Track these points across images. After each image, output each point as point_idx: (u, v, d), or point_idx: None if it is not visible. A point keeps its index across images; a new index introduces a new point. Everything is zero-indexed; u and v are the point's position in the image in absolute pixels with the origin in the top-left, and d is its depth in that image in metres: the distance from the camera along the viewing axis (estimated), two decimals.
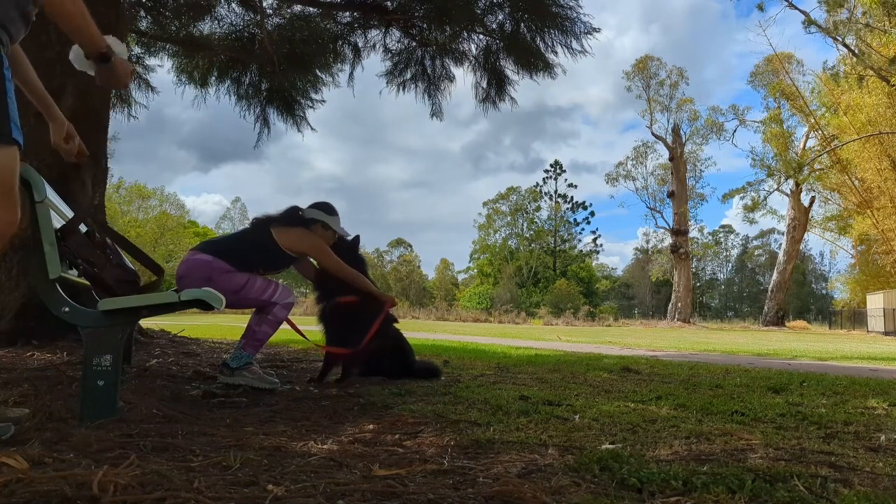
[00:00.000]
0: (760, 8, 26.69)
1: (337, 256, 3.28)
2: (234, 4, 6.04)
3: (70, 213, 2.67)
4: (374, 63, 6.49)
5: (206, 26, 6.20)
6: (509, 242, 56.50)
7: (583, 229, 55.76)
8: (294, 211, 3.33)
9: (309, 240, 3.22)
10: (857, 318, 28.94)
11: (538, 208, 56.13)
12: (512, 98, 6.23)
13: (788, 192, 31.97)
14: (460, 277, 65.76)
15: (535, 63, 5.73)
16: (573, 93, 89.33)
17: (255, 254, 3.08)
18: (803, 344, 11.52)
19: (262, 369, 3.17)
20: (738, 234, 65.66)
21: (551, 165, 56.57)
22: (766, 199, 30.97)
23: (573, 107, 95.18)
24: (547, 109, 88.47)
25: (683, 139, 38.31)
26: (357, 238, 3.55)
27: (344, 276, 3.28)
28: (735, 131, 37.03)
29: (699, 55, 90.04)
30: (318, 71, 6.46)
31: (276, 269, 3.24)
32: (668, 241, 39.98)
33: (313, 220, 3.28)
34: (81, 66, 1.93)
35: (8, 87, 1.67)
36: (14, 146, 1.67)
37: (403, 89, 6.37)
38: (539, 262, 53.78)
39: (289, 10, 6.17)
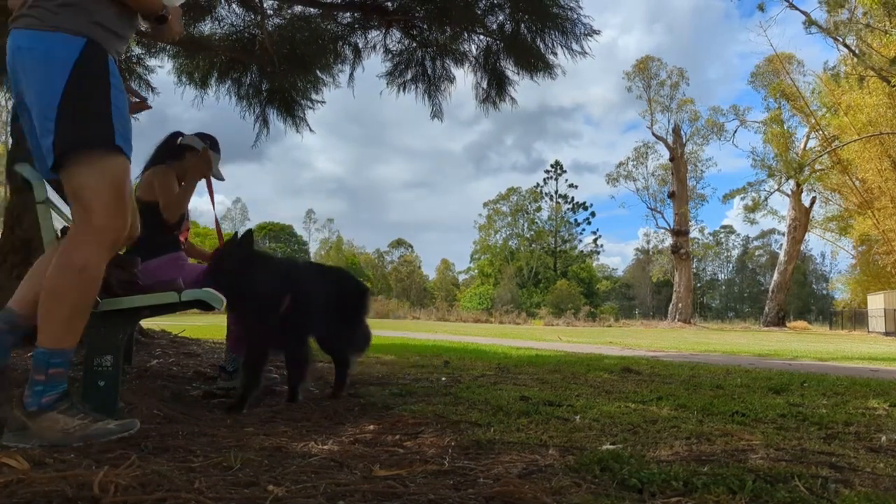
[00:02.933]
0: (761, 8, 26.60)
1: (178, 203, 2.89)
2: (234, 5, 6.03)
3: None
4: (375, 64, 6.48)
5: (206, 27, 6.20)
6: (510, 243, 56.49)
7: (583, 230, 55.77)
8: (163, 145, 3.06)
9: (150, 182, 2.89)
10: (857, 318, 28.90)
11: (539, 209, 56.15)
12: (512, 98, 6.23)
13: (789, 192, 31.95)
14: (461, 278, 65.75)
15: (536, 64, 5.72)
16: (575, 92, 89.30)
17: (143, 229, 2.90)
18: (804, 344, 11.51)
19: None
20: (738, 234, 65.71)
21: (552, 166, 56.60)
22: (766, 199, 30.97)
23: (575, 107, 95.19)
24: (549, 109, 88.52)
25: (684, 139, 38.30)
26: (248, 234, 2.70)
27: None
28: (736, 132, 37.00)
29: (702, 55, 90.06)
30: (318, 71, 6.46)
31: (177, 225, 2.99)
32: (669, 241, 39.95)
33: (187, 148, 3.02)
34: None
35: (113, 94, 1.73)
36: (119, 154, 1.74)
37: (404, 90, 6.36)
38: (539, 263, 53.75)
39: (289, 11, 6.17)
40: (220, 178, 3.15)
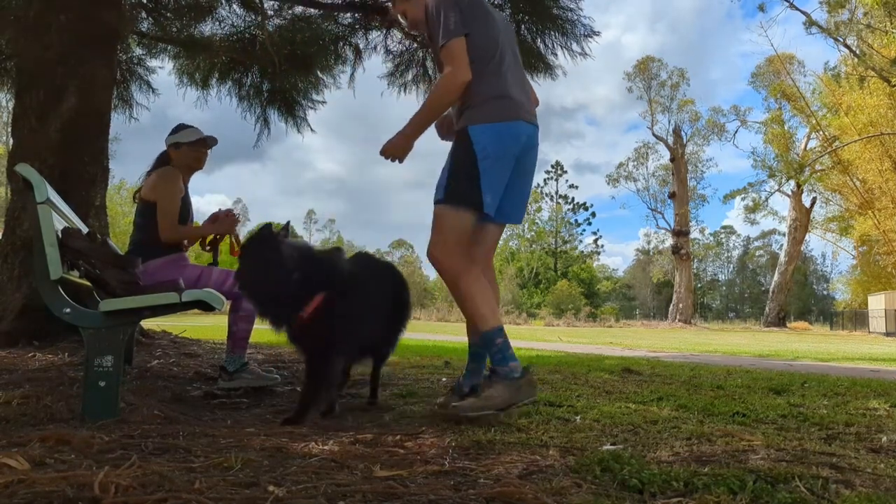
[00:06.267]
0: (762, 9, 26.70)
1: (174, 210, 2.92)
2: (235, 6, 6.04)
3: (72, 215, 2.67)
4: (376, 64, 6.49)
5: (207, 27, 6.20)
6: (510, 243, 56.44)
7: (584, 230, 55.73)
8: (160, 156, 3.13)
9: (154, 182, 2.96)
10: (858, 319, 28.87)
11: (539, 209, 56.07)
12: None
13: (790, 192, 31.91)
14: None
15: (536, 65, 5.72)
16: (578, 93, 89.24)
17: (145, 230, 2.95)
18: (805, 345, 11.50)
19: (262, 367, 3.17)
20: (739, 234, 65.66)
21: (552, 166, 56.51)
22: (767, 199, 31.00)
23: (577, 107, 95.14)
24: (552, 110, 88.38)
25: (684, 140, 38.27)
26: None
27: (174, 237, 2.94)
28: (736, 132, 36.94)
29: (705, 55, 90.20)
30: (319, 72, 6.46)
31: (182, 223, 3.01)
32: (669, 241, 39.87)
33: (168, 149, 3.09)
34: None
35: (481, 166, 2.24)
36: (470, 212, 2.29)
37: (405, 91, 6.37)
38: (540, 263, 53.71)
39: (290, 12, 6.17)
40: (214, 141, 3.19)
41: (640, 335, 16.27)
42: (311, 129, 6.88)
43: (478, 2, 2.37)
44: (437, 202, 2.32)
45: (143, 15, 6.07)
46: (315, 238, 61.95)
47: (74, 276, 2.33)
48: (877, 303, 25.30)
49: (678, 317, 34.82)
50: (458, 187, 2.26)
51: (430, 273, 65.98)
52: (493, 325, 2.25)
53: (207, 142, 3.16)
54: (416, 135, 2.35)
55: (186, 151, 3.08)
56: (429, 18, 2.33)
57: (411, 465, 1.55)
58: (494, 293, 2.41)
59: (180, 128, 3.13)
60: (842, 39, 22.54)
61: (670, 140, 38.14)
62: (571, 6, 5.32)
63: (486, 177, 2.24)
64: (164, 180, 2.95)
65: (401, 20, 2.60)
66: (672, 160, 37.90)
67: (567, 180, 63.97)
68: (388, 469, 1.50)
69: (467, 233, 2.31)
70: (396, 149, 2.35)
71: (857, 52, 22.45)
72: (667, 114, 38.97)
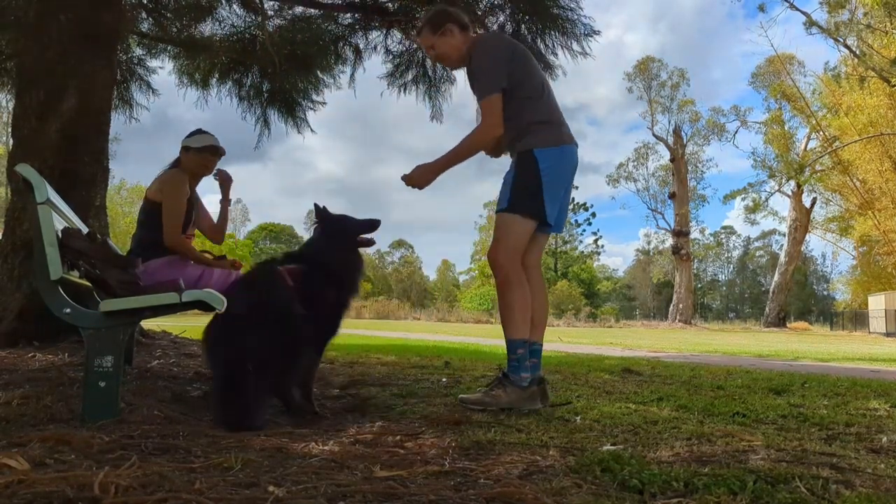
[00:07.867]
0: (762, 9, 26.66)
1: (179, 213, 2.94)
2: (235, 6, 6.04)
3: (72, 215, 2.67)
4: (376, 64, 6.48)
5: (207, 28, 6.20)
6: None
7: (584, 230, 55.70)
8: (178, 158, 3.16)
9: (160, 183, 2.98)
10: (858, 319, 28.86)
11: None
12: None
13: (790, 193, 31.90)
14: (461, 279, 65.74)
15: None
16: (579, 93, 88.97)
17: (149, 229, 2.96)
18: (805, 345, 11.50)
19: None
20: (739, 235, 65.66)
21: None
22: (767, 200, 30.97)
23: (578, 107, 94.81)
24: None
25: (685, 140, 38.26)
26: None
27: (174, 246, 2.94)
28: (736, 132, 36.94)
29: (706, 55, 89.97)
30: (319, 72, 6.46)
31: (183, 226, 3.03)
32: (670, 242, 39.88)
33: (181, 151, 3.12)
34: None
35: (544, 181, 2.51)
36: (533, 220, 2.53)
37: (405, 91, 6.37)
38: None
39: (290, 12, 6.17)
40: (222, 152, 3.22)
41: (640, 335, 16.26)
42: (312, 130, 6.88)
43: (521, 46, 2.72)
44: (500, 211, 2.57)
45: (143, 15, 6.07)
46: None
47: (74, 276, 2.33)
48: (877, 303, 25.28)
49: (678, 317, 34.81)
50: (523, 199, 2.52)
51: (431, 273, 66.04)
52: (520, 336, 2.50)
53: (213, 150, 3.19)
54: (442, 172, 2.62)
55: (193, 157, 3.13)
56: (473, 64, 2.60)
57: (411, 465, 1.55)
58: (543, 296, 2.68)
59: (195, 132, 3.17)
60: (842, 40, 22.57)
61: (670, 140, 38.12)
62: (571, 6, 5.31)
63: (547, 191, 2.51)
64: (169, 182, 3.00)
65: (427, 53, 2.81)
66: (672, 160, 37.89)
67: None
68: (388, 469, 1.50)
69: (527, 239, 2.54)
70: (422, 179, 2.62)
71: (857, 52, 22.47)
72: (667, 114, 38.96)
